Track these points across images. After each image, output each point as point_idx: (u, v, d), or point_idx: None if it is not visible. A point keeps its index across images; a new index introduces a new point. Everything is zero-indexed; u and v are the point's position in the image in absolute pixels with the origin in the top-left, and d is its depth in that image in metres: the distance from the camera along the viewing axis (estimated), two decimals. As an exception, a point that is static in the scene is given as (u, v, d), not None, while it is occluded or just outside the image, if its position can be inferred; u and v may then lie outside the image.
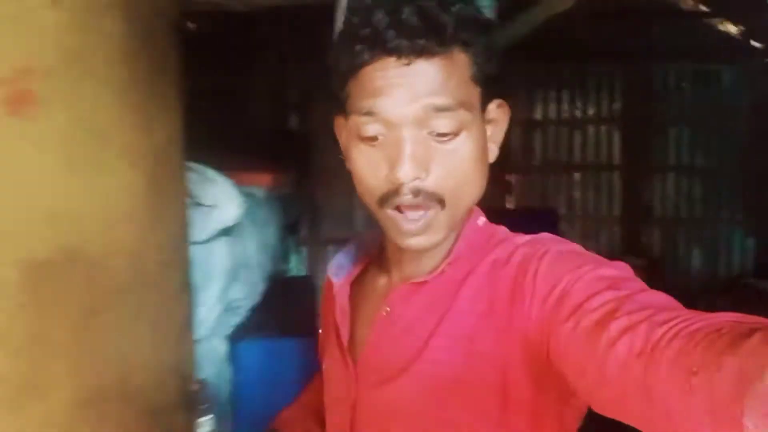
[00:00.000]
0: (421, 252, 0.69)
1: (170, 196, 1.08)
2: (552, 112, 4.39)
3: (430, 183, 0.62)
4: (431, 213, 0.64)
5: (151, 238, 1.01)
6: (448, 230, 0.67)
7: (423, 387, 0.66)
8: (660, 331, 0.46)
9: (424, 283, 0.69)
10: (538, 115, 4.39)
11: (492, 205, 0.78)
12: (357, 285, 0.79)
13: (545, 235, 0.68)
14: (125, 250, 0.96)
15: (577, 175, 4.42)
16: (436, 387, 0.65)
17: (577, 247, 0.66)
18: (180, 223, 1.13)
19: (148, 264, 1.00)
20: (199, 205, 1.51)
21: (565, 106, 4.37)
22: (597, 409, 0.55)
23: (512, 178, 4.37)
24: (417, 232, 0.65)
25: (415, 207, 0.63)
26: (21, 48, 0.84)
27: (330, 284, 0.83)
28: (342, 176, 0.75)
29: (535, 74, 4.21)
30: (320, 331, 0.94)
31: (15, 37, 0.84)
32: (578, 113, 4.38)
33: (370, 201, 0.66)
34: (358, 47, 0.61)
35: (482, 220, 0.74)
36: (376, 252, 0.80)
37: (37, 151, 0.86)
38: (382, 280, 0.77)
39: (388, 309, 0.71)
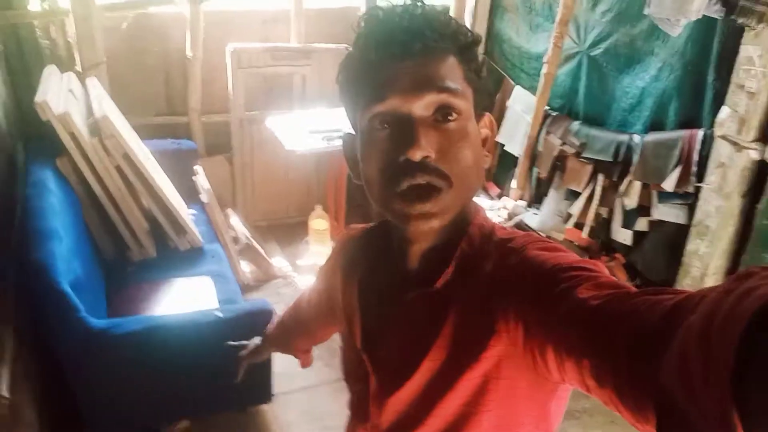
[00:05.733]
0: (426, 237, 0.75)
1: None
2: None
3: (438, 161, 0.68)
4: (439, 195, 0.68)
5: None
6: (453, 213, 0.71)
7: (429, 382, 0.74)
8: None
9: (435, 290, 0.74)
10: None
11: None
12: (366, 279, 0.85)
13: (528, 235, 0.74)
14: None
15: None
16: (439, 384, 0.73)
17: (555, 244, 0.70)
18: None
19: None
20: None
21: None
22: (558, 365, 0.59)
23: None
24: (425, 214, 0.69)
25: (424, 192, 0.68)
26: None
27: (338, 259, 0.93)
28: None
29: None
30: (317, 285, 1.06)
31: None
32: None
33: (381, 189, 0.71)
34: (372, 47, 0.69)
35: (484, 221, 0.77)
36: (384, 245, 0.83)
37: None
38: (390, 277, 0.81)
39: (403, 317, 0.77)
